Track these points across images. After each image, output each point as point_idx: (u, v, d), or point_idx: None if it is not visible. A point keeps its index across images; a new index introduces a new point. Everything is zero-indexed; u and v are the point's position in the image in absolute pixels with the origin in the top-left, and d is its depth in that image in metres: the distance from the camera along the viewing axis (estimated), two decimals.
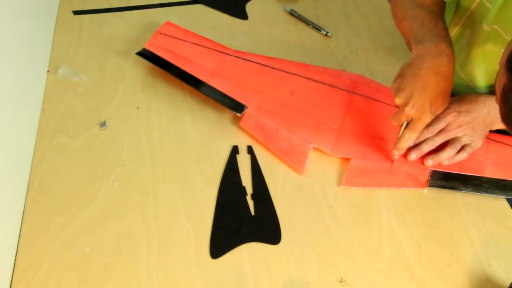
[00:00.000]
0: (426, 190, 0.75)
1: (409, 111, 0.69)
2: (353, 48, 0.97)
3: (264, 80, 0.86)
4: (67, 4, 1.02)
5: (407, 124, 0.72)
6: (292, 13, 1.03)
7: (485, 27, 0.72)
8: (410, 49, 0.72)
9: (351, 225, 0.70)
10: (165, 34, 0.91)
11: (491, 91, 0.82)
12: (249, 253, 0.67)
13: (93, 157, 0.77)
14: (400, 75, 0.70)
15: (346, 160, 0.77)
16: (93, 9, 1.02)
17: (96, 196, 0.72)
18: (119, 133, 0.80)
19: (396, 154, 0.74)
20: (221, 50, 0.90)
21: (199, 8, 1.04)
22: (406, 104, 0.68)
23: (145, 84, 0.88)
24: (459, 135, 0.75)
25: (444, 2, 0.77)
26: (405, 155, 0.76)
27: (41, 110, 0.83)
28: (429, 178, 0.75)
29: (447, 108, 0.74)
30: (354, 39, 0.99)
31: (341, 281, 0.65)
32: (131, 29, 0.98)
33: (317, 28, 0.99)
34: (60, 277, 0.64)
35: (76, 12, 1.00)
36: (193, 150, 0.78)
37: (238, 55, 0.89)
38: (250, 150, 0.78)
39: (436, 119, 0.75)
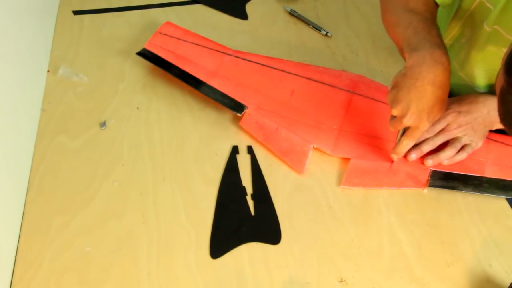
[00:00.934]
0: (426, 190, 0.75)
1: (407, 122, 0.68)
2: (353, 48, 0.97)
3: (264, 80, 0.86)
4: (67, 4, 1.02)
5: (404, 130, 0.72)
6: (292, 13, 1.03)
7: (486, 28, 0.72)
8: (404, 57, 0.71)
9: (351, 225, 0.70)
10: (165, 34, 0.91)
11: (490, 90, 0.82)
12: (249, 253, 0.67)
13: (93, 157, 0.77)
14: (396, 86, 0.69)
15: (346, 160, 0.77)
16: (93, 9, 1.02)
17: (96, 196, 0.72)
18: (119, 133, 0.80)
19: (395, 157, 0.75)
20: (221, 50, 0.90)
21: (199, 8, 1.04)
22: (403, 115, 0.68)
23: (145, 84, 0.88)
24: (459, 135, 0.75)
25: (437, 7, 0.75)
26: (405, 155, 0.76)
27: (41, 110, 0.83)
28: (429, 178, 0.75)
29: (447, 109, 0.75)
30: (354, 39, 0.99)
31: (341, 281, 0.65)
32: (131, 29, 0.98)
33: (317, 28, 0.99)
34: (60, 277, 0.64)
35: (76, 12, 1.00)
36: (193, 150, 0.78)
37: (238, 55, 0.89)
38: (250, 150, 0.78)
39: (436, 120, 0.75)
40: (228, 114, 0.83)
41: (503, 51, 0.56)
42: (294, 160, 0.77)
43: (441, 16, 0.83)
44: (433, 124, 0.75)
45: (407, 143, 0.72)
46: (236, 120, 0.82)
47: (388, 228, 0.70)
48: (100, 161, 0.76)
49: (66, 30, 0.96)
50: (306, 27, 1.01)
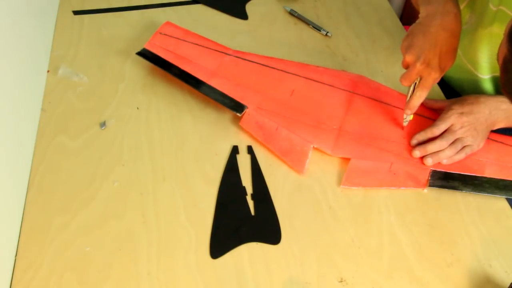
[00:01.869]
0: (426, 190, 0.75)
1: (420, 66, 0.71)
2: (353, 48, 0.97)
3: (264, 80, 0.86)
4: (67, 4, 1.02)
5: (415, 86, 0.74)
6: (292, 13, 1.03)
7: (492, 7, 0.73)
8: (418, 10, 0.74)
9: (351, 225, 0.70)
10: (165, 34, 0.91)
11: (493, 77, 0.82)
12: (249, 253, 0.67)
13: (93, 157, 0.77)
14: (411, 34, 0.73)
15: (346, 160, 0.77)
16: (93, 9, 1.02)
17: (96, 196, 0.72)
18: (119, 133, 0.80)
19: (409, 112, 0.77)
20: (221, 50, 0.90)
21: (199, 8, 1.04)
22: (417, 60, 0.71)
23: (145, 84, 0.88)
24: (462, 135, 0.75)
25: None
26: (410, 150, 0.77)
27: (41, 110, 0.83)
28: (429, 178, 0.75)
29: (449, 109, 0.76)
30: (354, 39, 0.99)
31: (341, 281, 0.65)
32: (131, 29, 0.98)
33: (317, 28, 0.99)
34: (60, 277, 0.64)
35: (76, 12, 1.00)
36: (193, 150, 0.78)
37: (238, 55, 0.89)
38: (250, 150, 0.78)
39: (440, 119, 0.77)
40: (228, 114, 0.83)
41: None
42: (294, 160, 0.77)
43: None
44: (438, 124, 0.76)
45: (420, 95, 0.74)
46: (236, 120, 0.82)
47: (388, 228, 0.70)
48: (100, 161, 0.76)
49: (66, 30, 0.96)
50: (306, 27, 1.01)
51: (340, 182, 0.75)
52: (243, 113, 0.81)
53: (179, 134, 0.80)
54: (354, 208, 0.72)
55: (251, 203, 0.72)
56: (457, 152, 0.76)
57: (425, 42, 0.70)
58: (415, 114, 0.79)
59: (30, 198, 0.72)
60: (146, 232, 0.68)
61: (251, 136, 0.80)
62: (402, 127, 0.80)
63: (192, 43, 0.90)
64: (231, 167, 0.76)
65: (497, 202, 0.74)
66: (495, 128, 0.77)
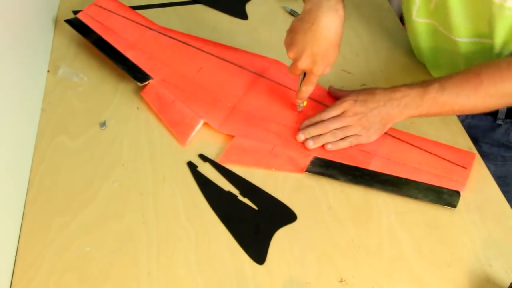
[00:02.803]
0: (304, 175, 0.75)
1: (301, 64, 0.72)
2: (353, 48, 0.97)
3: (176, 55, 0.89)
4: (67, 4, 1.02)
5: (304, 76, 0.76)
6: (292, 13, 1.03)
7: None
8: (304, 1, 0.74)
9: (351, 225, 0.70)
10: (100, 6, 0.95)
11: (473, 39, 0.79)
12: None
13: (93, 157, 0.77)
14: (292, 30, 0.73)
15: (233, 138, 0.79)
16: None
17: (96, 196, 0.72)
18: (119, 133, 0.80)
19: (300, 103, 0.80)
20: (146, 25, 0.94)
21: (199, 8, 1.04)
22: (298, 58, 0.72)
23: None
24: (351, 124, 0.76)
25: None
26: (295, 135, 0.78)
27: (41, 110, 0.83)
28: (309, 164, 0.75)
29: (346, 97, 0.78)
30: (354, 39, 0.99)
31: (341, 281, 0.65)
32: None
33: None
34: (60, 277, 0.64)
35: (76, 12, 0.99)
36: (193, 150, 0.78)
37: (161, 31, 0.93)
38: (203, 158, 0.77)
39: (332, 105, 0.78)
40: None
41: None
42: (180, 131, 0.79)
43: None
44: (329, 109, 0.78)
45: (306, 89, 0.76)
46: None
47: (388, 228, 0.70)
48: (100, 161, 0.76)
49: (66, 30, 0.96)
50: None
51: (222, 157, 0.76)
52: (145, 83, 0.83)
53: None
54: (354, 208, 0.72)
55: (246, 201, 0.72)
56: (342, 140, 0.76)
57: (307, 41, 0.70)
58: (317, 101, 0.82)
59: (30, 198, 0.72)
60: (146, 232, 0.68)
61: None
62: (298, 113, 0.81)
63: (122, 16, 0.94)
64: (203, 182, 0.74)
65: (497, 202, 0.74)
66: (393, 122, 0.76)
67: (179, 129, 0.79)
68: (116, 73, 0.89)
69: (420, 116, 0.76)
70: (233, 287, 0.64)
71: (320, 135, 0.77)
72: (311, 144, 0.76)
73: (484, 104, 0.73)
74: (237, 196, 0.73)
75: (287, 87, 0.85)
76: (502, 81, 0.70)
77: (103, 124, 0.81)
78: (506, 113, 0.86)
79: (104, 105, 0.84)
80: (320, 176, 0.74)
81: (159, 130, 0.81)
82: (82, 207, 0.71)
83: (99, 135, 0.80)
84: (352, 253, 0.67)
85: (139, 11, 1.02)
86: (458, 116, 0.85)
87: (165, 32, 0.93)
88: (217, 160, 0.76)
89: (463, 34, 0.79)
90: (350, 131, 0.76)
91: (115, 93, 0.86)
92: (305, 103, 0.80)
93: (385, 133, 0.78)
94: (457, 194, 0.72)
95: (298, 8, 1.03)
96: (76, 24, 0.92)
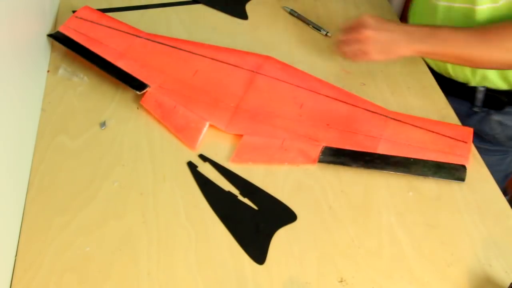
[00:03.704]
0: (317, 166, 0.76)
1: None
2: None
3: (169, 61, 0.88)
4: (67, 4, 1.02)
5: None
6: (292, 13, 1.03)
7: None
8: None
9: (351, 225, 0.70)
10: (81, 18, 0.94)
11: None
12: None
13: (93, 157, 0.77)
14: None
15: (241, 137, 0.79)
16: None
17: (96, 196, 0.72)
18: (119, 133, 0.80)
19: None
20: (133, 33, 0.93)
21: (199, 8, 1.04)
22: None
23: None
24: (367, 34, 0.79)
25: None
26: (303, 128, 0.79)
27: (41, 110, 0.83)
28: (320, 154, 0.77)
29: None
30: None
31: (341, 281, 0.65)
32: None
33: (317, 28, 0.99)
34: (60, 277, 0.64)
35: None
36: (195, 151, 0.78)
37: (149, 37, 0.92)
38: (204, 158, 0.77)
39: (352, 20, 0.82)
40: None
41: None
42: (187, 136, 0.79)
43: None
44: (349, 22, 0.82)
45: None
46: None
47: (388, 228, 0.70)
48: (100, 161, 0.76)
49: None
50: (306, 27, 1.01)
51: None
52: (143, 91, 0.83)
53: None
54: (354, 208, 0.72)
55: (246, 201, 0.72)
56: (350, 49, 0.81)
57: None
58: (320, 94, 0.84)
59: (30, 198, 0.72)
60: (146, 232, 0.68)
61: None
62: (301, 106, 0.82)
63: (105, 26, 0.93)
64: (203, 182, 0.74)
65: (497, 202, 0.74)
66: (399, 50, 0.78)
67: (186, 134, 0.79)
68: None
69: (426, 54, 0.80)
70: (233, 287, 0.64)
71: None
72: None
73: (490, 56, 0.74)
74: (237, 196, 0.73)
75: (285, 82, 0.85)
76: (510, 37, 0.72)
77: (103, 124, 0.81)
78: (483, 101, 0.87)
79: (104, 105, 0.84)
80: (332, 164, 0.76)
81: (159, 130, 0.81)
82: (82, 207, 0.71)
83: (99, 135, 0.80)
84: (352, 253, 0.67)
85: (139, 11, 1.02)
86: None
87: (153, 38, 0.92)
88: (230, 160, 0.76)
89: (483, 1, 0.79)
90: (360, 43, 0.79)
91: (115, 93, 0.86)
92: None
93: (387, 117, 0.81)
94: (463, 168, 0.75)
95: (298, 8, 1.03)
96: (60, 38, 0.90)
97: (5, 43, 0.73)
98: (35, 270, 0.64)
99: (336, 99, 0.84)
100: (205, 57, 0.89)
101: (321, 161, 0.76)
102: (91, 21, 0.93)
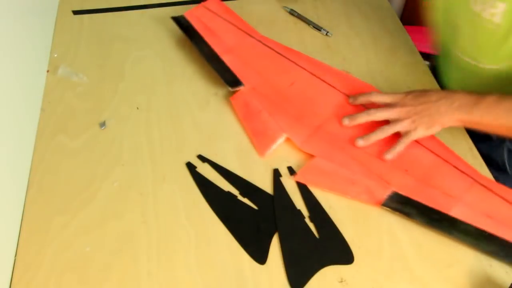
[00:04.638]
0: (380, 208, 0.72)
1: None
2: (353, 48, 0.97)
3: (271, 65, 0.89)
4: (67, 4, 1.02)
5: None
6: (292, 13, 1.03)
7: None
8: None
9: (351, 225, 0.70)
10: (207, 8, 0.97)
11: (497, 62, 0.78)
12: None
13: (93, 157, 0.77)
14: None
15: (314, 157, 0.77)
16: (93, 8, 1.02)
17: (96, 196, 0.72)
18: (119, 133, 0.80)
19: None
20: (248, 32, 0.94)
21: None
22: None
23: (145, 84, 0.88)
24: (401, 116, 0.74)
25: None
26: (378, 166, 0.74)
27: (40, 110, 0.83)
28: (387, 198, 0.71)
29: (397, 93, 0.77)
30: (354, 39, 0.98)
31: (341, 281, 0.65)
32: (131, 29, 0.98)
33: (317, 28, 0.99)
34: (60, 277, 0.64)
35: (76, 12, 1.00)
36: (193, 150, 0.78)
37: (261, 40, 0.93)
38: (202, 158, 0.76)
39: (383, 94, 0.78)
40: (227, 115, 0.83)
41: None
42: (261, 142, 0.78)
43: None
44: (380, 95, 0.78)
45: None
46: (235, 122, 0.81)
47: (388, 228, 0.70)
48: (100, 161, 0.76)
49: (66, 30, 0.96)
50: (306, 27, 1.01)
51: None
52: (236, 89, 0.83)
53: (179, 134, 0.80)
54: (354, 208, 0.72)
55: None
56: (398, 144, 0.74)
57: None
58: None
59: (30, 198, 0.72)
60: (146, 232, 0.68)
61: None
62: (385, 142, 0.76)
63: (225, 19, 0.95)
64: (202, 182, 0.73)
65: None
66: (442, 121, 0.73)
67: (260, 140, 0.78)
68: (116, 73, 0.89)
69: (471, 124, 0.73)
70: (233, 287, 0.64)
71: (371, 132, 0.75)
72: (361, 143, 0.75)
73: None
74: (237, 196, 0.73)
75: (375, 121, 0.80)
76: None
77: (103, 124, 0.81)
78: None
79: (104, 105, 0.84)
80: (396, 212, 0.70)
81: (159, 130, 0.81)
82: (82, 207, 0.71)
83: (99, 135, 0.80)
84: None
85: (139, 11, 1.02)
86: None
87: (264, 41, 0.93)
88: (293, 177, 0.74)
89: (486, 61, 0.78)
90: (398, 126, 0.74)
91: (115, 93, 0.86)
92: None
93: (475, 180, 0.72)
94: None
95: (298, 8, 1.03)
96: (181, 22, 0.94)
97: (5, 42, 0.73)
98: (35, 270, 0.64)
99: (426, 147, 0.76)
100: (305, 69, 0.88)
101: (385, 205, 0.70)
102: (215, 13, 0.96)
